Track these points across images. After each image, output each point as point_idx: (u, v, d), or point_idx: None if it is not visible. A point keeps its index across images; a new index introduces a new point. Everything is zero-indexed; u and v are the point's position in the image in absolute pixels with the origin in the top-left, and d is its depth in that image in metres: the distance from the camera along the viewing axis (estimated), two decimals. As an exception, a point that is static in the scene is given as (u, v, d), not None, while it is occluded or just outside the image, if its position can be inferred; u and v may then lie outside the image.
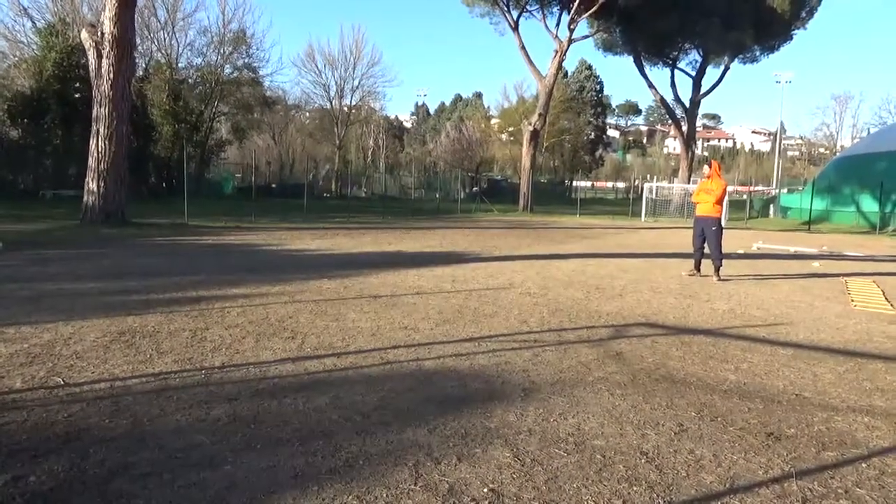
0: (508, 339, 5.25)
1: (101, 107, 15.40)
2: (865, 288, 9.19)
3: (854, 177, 33.39)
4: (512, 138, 56.62)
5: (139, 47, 30.79)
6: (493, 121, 64.18)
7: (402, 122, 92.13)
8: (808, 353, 5.19)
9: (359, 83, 49.57)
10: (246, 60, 39.21)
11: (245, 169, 43.15)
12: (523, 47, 32.91)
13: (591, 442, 3.19)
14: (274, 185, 44.26)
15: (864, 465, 3.07)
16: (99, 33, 15.39)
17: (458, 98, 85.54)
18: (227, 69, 38.34)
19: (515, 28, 32.91)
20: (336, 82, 49.15)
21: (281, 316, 5.81)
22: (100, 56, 15.27)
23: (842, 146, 65.46)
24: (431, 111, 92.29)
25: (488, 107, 69.76)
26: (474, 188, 48.49)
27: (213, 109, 38.36)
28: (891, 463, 3.10)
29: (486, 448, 3.06)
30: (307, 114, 56.65)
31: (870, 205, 31.15)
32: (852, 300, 8.08)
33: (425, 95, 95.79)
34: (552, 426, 3.37)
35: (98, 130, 15.44)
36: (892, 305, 7.76)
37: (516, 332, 5.51)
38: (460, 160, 55.12)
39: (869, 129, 61.72)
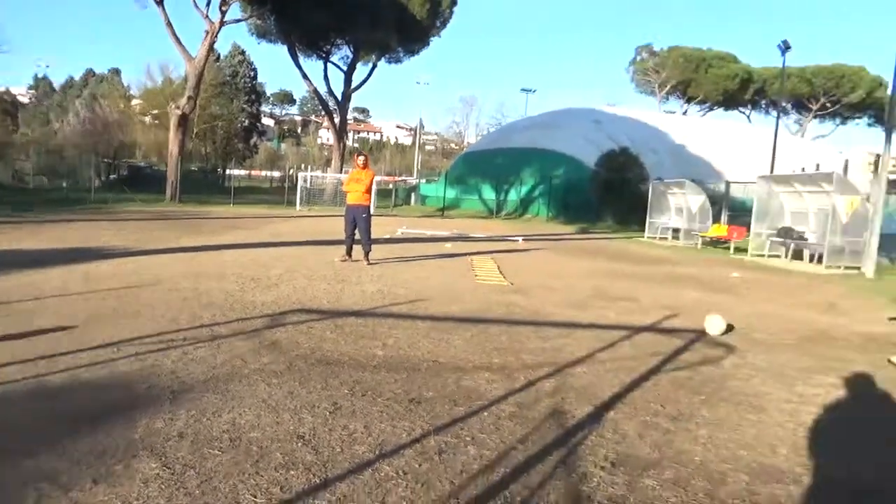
0: (155, 339, 4.80)
1: None
2: (486, 265, 10.82)
3: (478, 170, 39.26)
4: (157, 122, 51.84)
5: None
6: (135, 101, 57.88)
7: (15, 97, 76.91)
8: (443, 324, 5.90)
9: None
10: None
11: None
12: (169, 24, 30.15)
13: (246, 435, 3.12)
14: None
15: (485, 413, 3.61)
16: None
17: (91, 73, 74.67)
18: None
19: (160, 2, 30.02)
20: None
21: None
22: None
23: (468, 143, 75.74)
24: (56, 86, 79.03)
25: (128, 85, 62.38)
26: (111, 175, 43.30)
27: None
28: (504, 408, 3.71)
29: (129, 462, 2.76)
30: None
31: (489, 193, 37.10)
32: (476, 275, 9.44)
33: (47, 67, 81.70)
34: (205, 426, 3.21)
35: None
36: (505, 278, 9.28)
37: (163, 331, 5.07)
38: (94, 144, 48.46)
39: (488, 129, 72.84)
